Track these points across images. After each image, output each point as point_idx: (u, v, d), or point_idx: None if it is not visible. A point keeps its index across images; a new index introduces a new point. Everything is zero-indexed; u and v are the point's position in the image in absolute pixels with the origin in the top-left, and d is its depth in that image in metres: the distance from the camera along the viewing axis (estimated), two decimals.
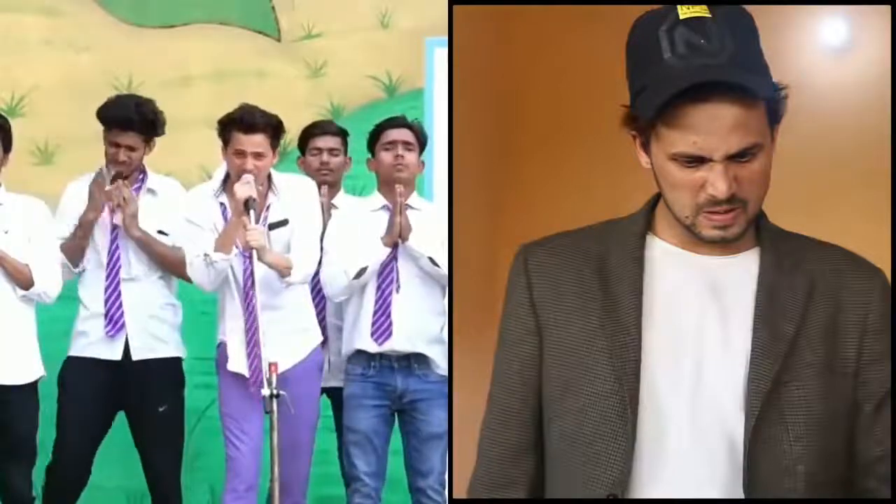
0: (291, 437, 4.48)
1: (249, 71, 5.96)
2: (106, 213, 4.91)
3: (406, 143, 4.89)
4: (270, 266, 4.57)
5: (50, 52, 5.93)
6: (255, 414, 4.66)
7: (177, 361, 4.99)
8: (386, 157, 4.89)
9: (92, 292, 4.91)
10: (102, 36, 5.96)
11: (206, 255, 4.58)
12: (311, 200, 4.79)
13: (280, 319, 4.52)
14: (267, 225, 4.63)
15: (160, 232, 4.94)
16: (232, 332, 4.69)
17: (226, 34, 6.02)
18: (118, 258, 4.89)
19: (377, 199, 4.93)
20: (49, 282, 4.66)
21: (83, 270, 4.92)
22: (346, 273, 4.78)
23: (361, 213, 4.93)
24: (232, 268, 4.64)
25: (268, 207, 4.67)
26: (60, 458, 4.87)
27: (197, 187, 4.86)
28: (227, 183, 4.70)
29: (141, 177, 4.99)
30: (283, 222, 4.65)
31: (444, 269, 4.69)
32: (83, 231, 4.87)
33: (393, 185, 4.83)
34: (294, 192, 4.74)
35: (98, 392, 4.89)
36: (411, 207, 4.84)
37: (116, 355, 4.88)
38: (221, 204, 4.69)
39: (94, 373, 4.87)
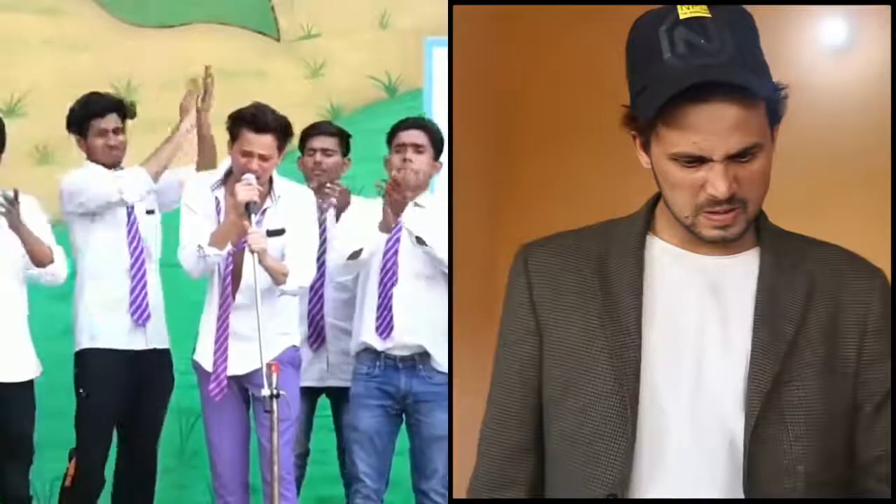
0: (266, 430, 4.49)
1: (249, 71, 5.96)
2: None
3: (416, 146, 4.88)
4: (268, 270, 4.56)
5: (49, 51, 5.93)
6: (228, 411, 4.66)
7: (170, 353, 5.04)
8: (395, 159, 4.90)
9: (109, 278, 4.90)
10: (102, 36, 5.96)
11: (199, 246, 4.59)
12: (310, 212, 4.80)
13: (262, 321, 4.48)
14: (265, 230, 4.63)
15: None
16: (205, 325, 4.70)
17: (225, 34, 6.02)
18: (142, 243, 4.92)
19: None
20: (60, 263, 4.68)
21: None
22: (342, 254, 4.79)
23: (371, 211, 4.92)
24: (219, 263, 4.66)
25: (264, 211, 4.67)
26: (86, 471, 4.88)
27: (198, 176, 4.87)
28: (229, 180, 4.70)
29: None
30: (281, 231, 4.65)
31: (436, 251, 4.70)
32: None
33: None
34: (293, 201, 4.73)
35: (121, 388, 4.90)
36: (418, 205, 4.83)
37: (140, 344, 4.91)
38: (216, 199, 4.69)
39: (117, 365, 4.88)
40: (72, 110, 5.01)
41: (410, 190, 4.82)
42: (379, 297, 4.82)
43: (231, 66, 5.94)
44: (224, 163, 4.77)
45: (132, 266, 4.91)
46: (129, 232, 4.93)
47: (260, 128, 4.59)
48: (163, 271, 5.07)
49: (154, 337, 4.96)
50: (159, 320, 5.00)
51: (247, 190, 4.52)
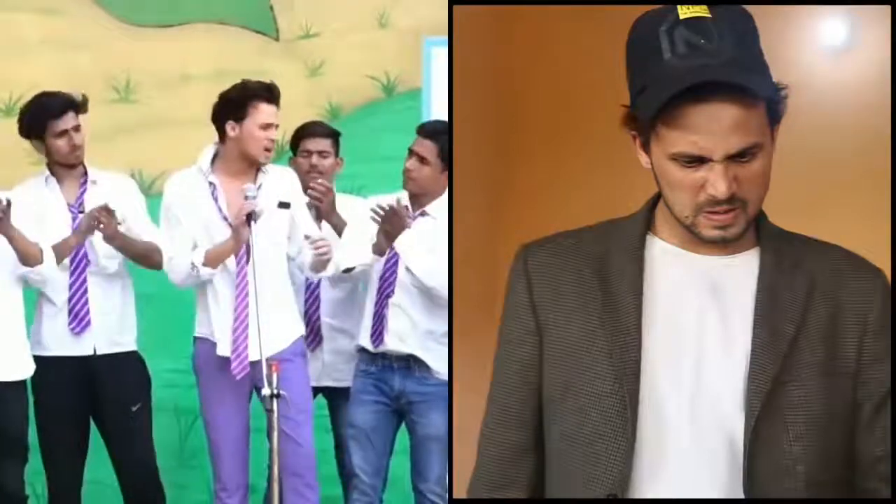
0: (292, 419, 4.51)
1: (248, 70, 5.91)
2: (65, 206, 4.87)
3: (420, 157, 4.84)
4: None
5: (48, 51, 5.92)
6: (235, 411, 4.66)
7: (137, 354, 4.99)
8: (405, 162, 4.88)
9: (52, 284, 4.84)
10: (100, 35, 5.95)
11: (193, 265, 4.59)
12: (299, 190, 4.82)
13: (269, 310, 4.50)
14: (278, 203, 4.64)
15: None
16: (217, 320, 4.67)
17: (224, 34, 6.02)
18: (84, 253, 4.87)
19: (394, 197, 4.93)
20: (48, 264, 4.67)
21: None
22: (336, 265, 4.78)
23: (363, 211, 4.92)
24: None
25: (259, 187, 4.67)
26: (56, 480, 4.87)
27: (180, 172, 4.81)
28: (216, 161, 4.68)
29: (84, 171, 4.96)
30: (287, 204, 4.67)
31: (423, 278, 4.70)
32: (76, 241, 4.82)
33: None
34: (282, 179, 4.75)
35: (74, 396, 4.87)
36: (426, 213, 4.81)
37: (87, 349, 4.86)
38: (211, 183, 4.67)
39: (63, 372, 4.84)
40: (25, 113, 4.92)
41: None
42: (375, 305, 4.82)
43: (229, 65, 5.94)
44: (208, 149, 4.74)
45: (72, 274, 4.86)
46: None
47: (271, 99, 4.62)
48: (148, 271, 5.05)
49: (106, 342, 4.90)
50: (119, 323, 4.94)
51: (249, 205, 4.53)
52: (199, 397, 4.81)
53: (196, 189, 4.69)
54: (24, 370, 4.72)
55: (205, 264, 4.61)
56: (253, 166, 4.69)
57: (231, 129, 4.63)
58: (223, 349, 4.66)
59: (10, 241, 4.57)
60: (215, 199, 4.67)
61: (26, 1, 5.94)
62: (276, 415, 4.18)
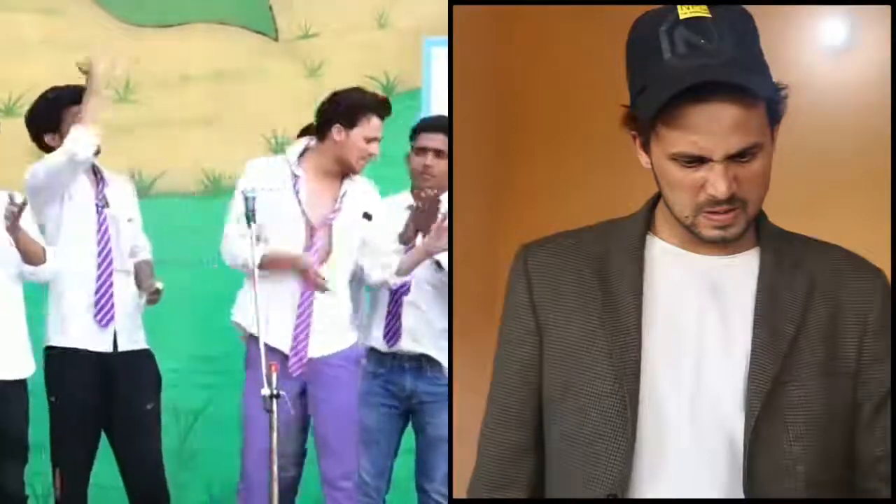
0: (336, 425, 4.54)
1: (247, 70, 5.96)
2: (92, 199, 4.87)
3: (437, 151, 4.85)
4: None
5: (47, 50, 5.92)
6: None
7: (150, 353, 4.99)
8: (415, 162, 4.89)
9: (78, 279, 4.85)
10: (100, 35, 5.95)
11: (244, 264, 4.54)
12: (381, 206, 4.82)
13: (330, 312, 4.57)
14: (363, 213, 4.68)
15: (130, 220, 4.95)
16: (278, 310, 4.61)
17: (223, 34, 6.02)
18: (109, 249, 4.87)
19: (407, 197, 4.93)
20: (49, 264, 4.66)
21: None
22: (386, 275, 4.76)
23: (395, 210, 4.92)
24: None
25: (344, 194, 4.68)
26: (72, 477, 4.85)
27: (262, 158, 4.81)
28: (305, 156, 4.68)
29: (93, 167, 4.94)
30: (370, 216, 4.69)
31: (443, 276, 4.72)
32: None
33: (420, 188, 4.83)
34: (366, 190, 4.77)
35: (90, 392, 4.87)
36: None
37: (108, 346, 4.86)
38: (295, 175, 4.65)
39: (84, 366, 4.84)
40: (36, 107, 4.94)
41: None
42: (389, 304, 4.82)
43: (228, 65, 5.95)
44: (298, 143, 4.73)
45: (98, 267, 4.86)
46: (98, 232, 4.87)
47: (382, 116, 4.66)
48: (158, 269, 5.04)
49: (126, 339, 4.89)
50: (134, 320, 4.94)
51: (323, 247, 4.58)
52: (244, 391, 4.74)
53: (279, 177, 4.67)
54: (24, 369, 4.72)
55: (260, 266, 4.48)
56: (343, 172, 4.68)
57: (337, 132, 4.65)
58: (276, 341, 4.61)
59: (16, 241, 4.57)
60: (296, 192, 4.66)
61: (26, 1, 5.94)
62: (275, 416, 4.17)
